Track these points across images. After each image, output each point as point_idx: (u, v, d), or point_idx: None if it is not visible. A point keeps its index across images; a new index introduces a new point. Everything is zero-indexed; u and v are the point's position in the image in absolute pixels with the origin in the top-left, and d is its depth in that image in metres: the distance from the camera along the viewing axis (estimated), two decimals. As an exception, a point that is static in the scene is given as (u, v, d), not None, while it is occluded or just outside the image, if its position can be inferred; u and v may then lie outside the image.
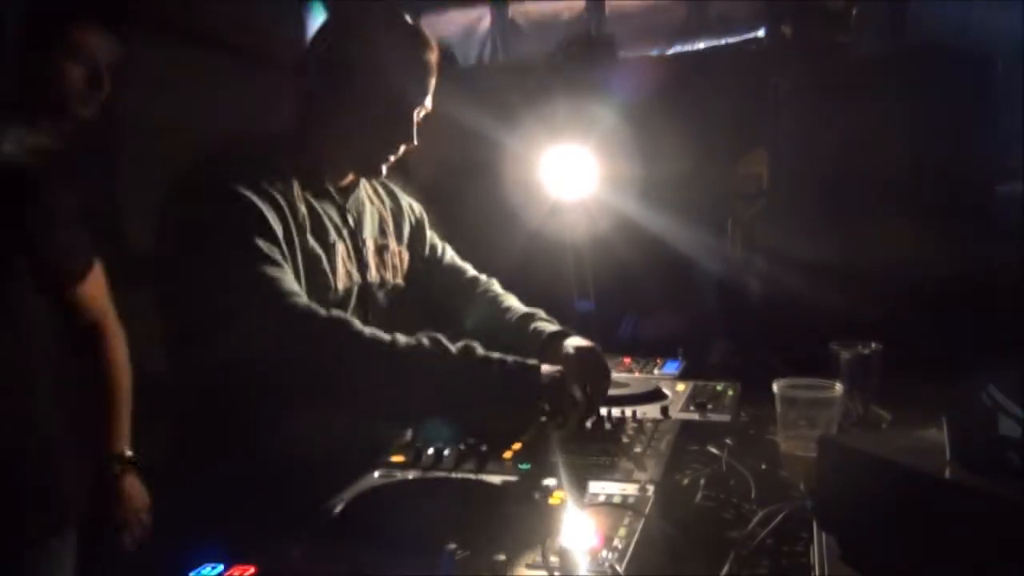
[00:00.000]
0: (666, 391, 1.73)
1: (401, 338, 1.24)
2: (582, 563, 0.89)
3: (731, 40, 2.76)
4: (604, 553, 0.91)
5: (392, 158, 1.42)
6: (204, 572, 0.88)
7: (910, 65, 2.35)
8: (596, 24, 3.03)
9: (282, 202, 1.28)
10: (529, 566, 0.89)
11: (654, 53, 3.00)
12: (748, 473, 1.31)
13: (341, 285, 1.38)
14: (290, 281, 1.24)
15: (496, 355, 1.27)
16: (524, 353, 1.31)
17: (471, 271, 1.74)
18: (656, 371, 1.98)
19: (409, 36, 1.37)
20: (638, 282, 2.66)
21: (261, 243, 1.22)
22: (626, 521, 1.00)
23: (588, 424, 1.41)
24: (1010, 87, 2.15)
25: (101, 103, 1.99)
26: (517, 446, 1.31)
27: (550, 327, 1.56)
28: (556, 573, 0.87)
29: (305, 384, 1.23)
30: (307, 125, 1.40)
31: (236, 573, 0.88)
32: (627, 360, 2.08)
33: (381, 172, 1.44)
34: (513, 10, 3.43)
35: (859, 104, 2.42)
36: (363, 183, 1.51)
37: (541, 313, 1.63)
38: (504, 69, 3.18)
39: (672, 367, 2.01)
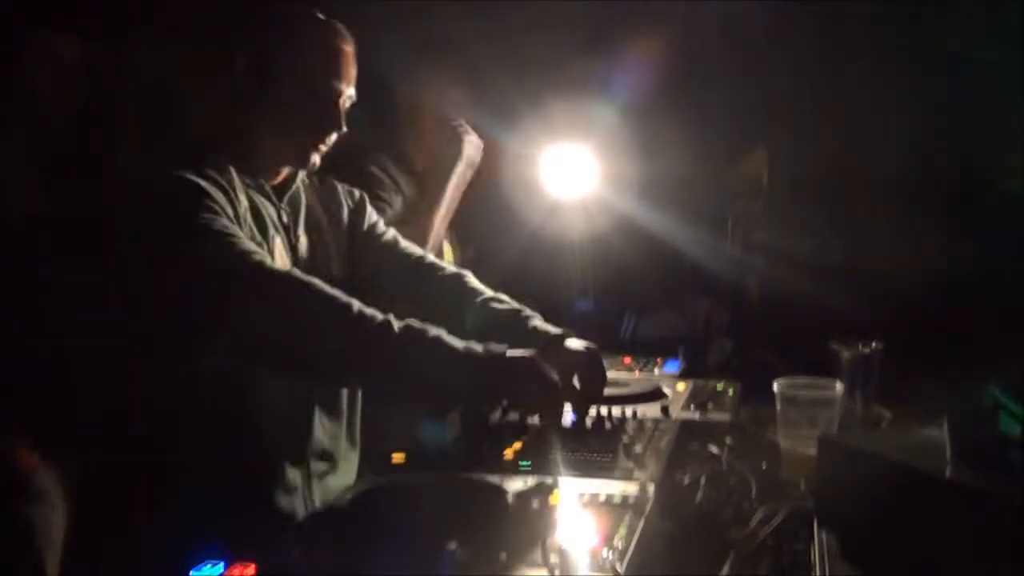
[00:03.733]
0: (666, 390, 1.73)
1: (368, 309, 1.21)
2: (582, 562, 0.89)
3: (732, 39, 2.76)
4: (604, 552, 0.91)
5: (323, 147, 1.45)
6: (205, 570, 0.88)
7: (911, 65, 2.35)
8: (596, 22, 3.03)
9: (228, 192, 1.31)
10: (529, 565, 0.89)
11: (655, 52, 3.00)
12: (748, 472, 1.31)
13: None
14: (247, 242, 1.25)
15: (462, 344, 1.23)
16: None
17: (429, 256, 1.66)
18: (656, 370, 1.98)
19: (324, 29, 1.43)
20: (638, 281, 2.66)
21: (220, 222, 1.25)
22: (626, 520, 1.00)
23: (588, 424, 1.40)
24: (1010, 87, 2.15)
25: (75, 105, 1.96)
26: (518, 445, 1.31)
27: (553, 328, 1.50)
28: (556, 572, 0.87)
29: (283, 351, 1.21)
30: (239, 123, 1.43)
31: (237, 571, 0.88)
32: (627, 359, 2.08)
33: (313, 163, 1.45)
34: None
35: (859, 104, 2.42)
36: (299, 181, 1.51)
37: (529, 311, 1.55)
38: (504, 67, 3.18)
39: (672, 366, 2.01)
